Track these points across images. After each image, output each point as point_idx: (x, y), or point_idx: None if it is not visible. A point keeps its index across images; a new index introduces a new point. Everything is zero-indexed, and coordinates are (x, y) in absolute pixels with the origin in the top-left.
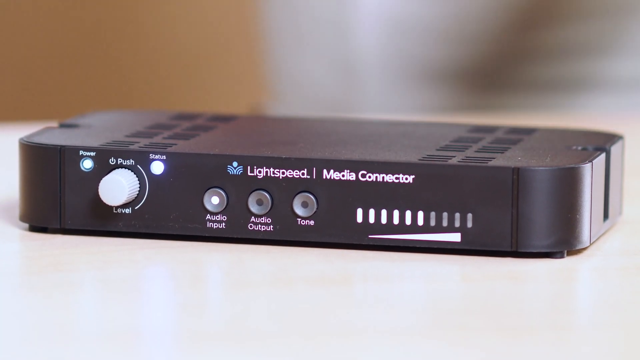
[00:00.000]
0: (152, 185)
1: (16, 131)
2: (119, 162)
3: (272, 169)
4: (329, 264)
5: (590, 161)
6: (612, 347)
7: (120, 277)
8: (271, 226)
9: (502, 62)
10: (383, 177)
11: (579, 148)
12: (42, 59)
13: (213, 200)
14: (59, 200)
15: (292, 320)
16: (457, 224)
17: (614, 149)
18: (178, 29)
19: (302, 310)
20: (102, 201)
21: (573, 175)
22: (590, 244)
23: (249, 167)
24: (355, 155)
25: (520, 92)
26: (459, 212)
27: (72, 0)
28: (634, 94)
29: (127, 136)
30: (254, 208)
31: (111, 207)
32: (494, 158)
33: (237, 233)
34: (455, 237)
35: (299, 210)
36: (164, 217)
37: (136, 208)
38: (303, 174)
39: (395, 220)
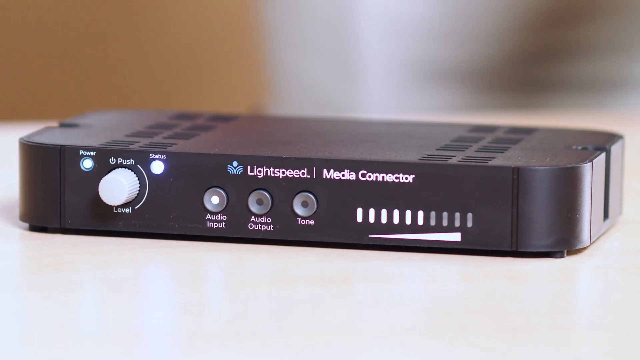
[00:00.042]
0: (152, 185)
1: (16, 131)
2: (119, 161)
3: (272, 169)
4: (329, 264)
5: (591, 161)
6: (612, 347)
7: (120, 277)
8: (271, 226)
9: (504, 63)
10: (383, 177)
11: (579, 148)
12: (42, 59)
13: (213, 200)
14: (59, 200)
15: (292, 320)
16: (457, 223)
17: (614, 149)
18: (178, 28)
19: (302, 310)
20: (102, 201)
21: (573, 175)
22: (590, 244)
23: (249, 167)
24: (356, 155)
25: (522, 92)
26: (459, 212)
27: (72, 0)
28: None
29: (127, 136)
30: (254, 208)
31: (111, 206)
32: (494, 158)
33: (237, 233)
34: (456, 236)
35: (299, 209)
36: (164, 216)
37: (136, 208)
38: (303, 173)
39: (396, 220)
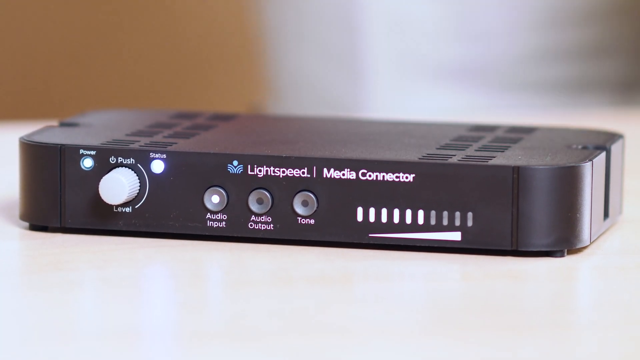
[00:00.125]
0: (153, 184)
1: (16, 130)
2: (119, 161)
3: (272, 168)
4: (329, 263)
5: (591, 160)
6: (612, 346)
7: (120, 276)
8: (271, 225)
9: (507, 62)
10: (383, 176)
11: (579, 147)
12: (42, 58)
13: (213, 199)
14: (59, 199)
15: (293, 319)
16: (457, 222)
17: (614, 148)
18: (178, 27)
19: (302, 309)
20: (102, 200)
21: (573, 174)
22: (591, 243)
23: (249, 166)
24: (356, 154)
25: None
26: (459, 211)
27: (72, 0)
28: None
29: (127, 135)
30: (254, 207)
31: (111, 205)
32: (494, 157)
33: (237, 232)
34: (456, 236)
35: (299, 209)
36: (164, 216)
37: (136, 207)
38: (303, 172)
39: (396, 219)
